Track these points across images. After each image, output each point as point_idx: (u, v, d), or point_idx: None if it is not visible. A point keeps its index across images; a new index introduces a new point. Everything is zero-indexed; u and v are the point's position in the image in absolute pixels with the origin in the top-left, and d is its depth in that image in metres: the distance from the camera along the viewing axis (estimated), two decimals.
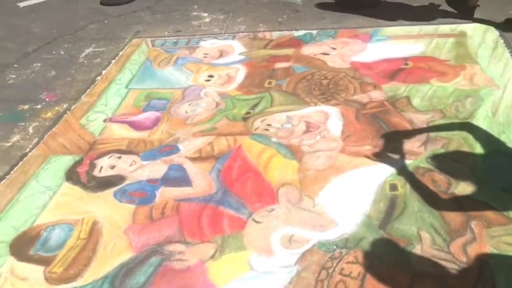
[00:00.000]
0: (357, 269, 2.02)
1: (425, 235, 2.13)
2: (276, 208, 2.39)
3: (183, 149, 2.91)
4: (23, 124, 3.42)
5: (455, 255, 2.02)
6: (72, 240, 2.35)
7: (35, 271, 2.21)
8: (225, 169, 2.70)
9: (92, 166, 2.86)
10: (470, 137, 2.68)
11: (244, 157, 2.77)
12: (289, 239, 2.21)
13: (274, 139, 2.88)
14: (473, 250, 2.03)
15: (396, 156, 2.62)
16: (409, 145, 2.69)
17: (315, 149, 2.75)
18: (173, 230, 2.34)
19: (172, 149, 2.93)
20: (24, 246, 2.36)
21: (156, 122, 3.23)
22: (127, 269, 2.16)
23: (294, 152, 2.75)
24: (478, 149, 2.60)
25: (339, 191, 2.44)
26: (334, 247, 2.13)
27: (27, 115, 3.52)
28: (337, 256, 2.09)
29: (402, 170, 2.51)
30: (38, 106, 3.62)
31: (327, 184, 2.49)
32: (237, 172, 2.67)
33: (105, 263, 2.21)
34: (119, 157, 2.91)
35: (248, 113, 3.18)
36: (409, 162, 2.56)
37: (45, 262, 2.25)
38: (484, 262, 1.98)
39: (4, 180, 2.84)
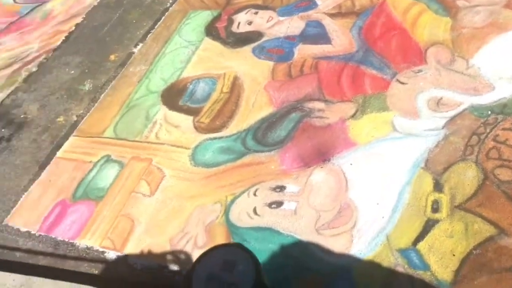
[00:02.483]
0: None
1: None
2: (424, 69, 2.21)
3: (321, 4, 2.75)
4: None
5: None
6: (216, 94, 2.46)
7: (185, 120, 2.39)
8: (367, 26, 2.52)
9: (230, 21, 2.86)
10: None
11: (388, 13, 2.55)
12: (437, 102, 2.07)
13: None
14: None
15: None
16: None
17: (474, 4, 2.42)
18: (313, 88, 2.32)
19: (309, 4, 2.79)
20: (173, 97, 2.53)
21: None
22: (268, 123, 2.23)
23: (447, 8, 2.45)
24: None
25: (499, 52, 2.17)
26: (489, 112, 1.96)
27: None
28: (492, 122, 1.92)
29: None
30: None
31: (485, 44, 2.22)
32: (380, 30, 2.48)
33: (248, 116, 2.30)
34: (256, 13, 2.86)
35: None
36: None
37: (193, 112, 2.41)
38: None
39: (150, 34, 2.98)
